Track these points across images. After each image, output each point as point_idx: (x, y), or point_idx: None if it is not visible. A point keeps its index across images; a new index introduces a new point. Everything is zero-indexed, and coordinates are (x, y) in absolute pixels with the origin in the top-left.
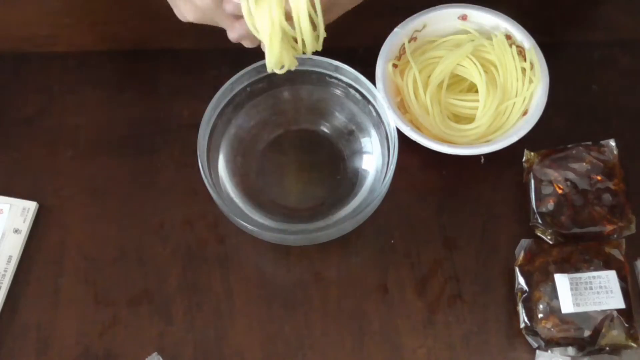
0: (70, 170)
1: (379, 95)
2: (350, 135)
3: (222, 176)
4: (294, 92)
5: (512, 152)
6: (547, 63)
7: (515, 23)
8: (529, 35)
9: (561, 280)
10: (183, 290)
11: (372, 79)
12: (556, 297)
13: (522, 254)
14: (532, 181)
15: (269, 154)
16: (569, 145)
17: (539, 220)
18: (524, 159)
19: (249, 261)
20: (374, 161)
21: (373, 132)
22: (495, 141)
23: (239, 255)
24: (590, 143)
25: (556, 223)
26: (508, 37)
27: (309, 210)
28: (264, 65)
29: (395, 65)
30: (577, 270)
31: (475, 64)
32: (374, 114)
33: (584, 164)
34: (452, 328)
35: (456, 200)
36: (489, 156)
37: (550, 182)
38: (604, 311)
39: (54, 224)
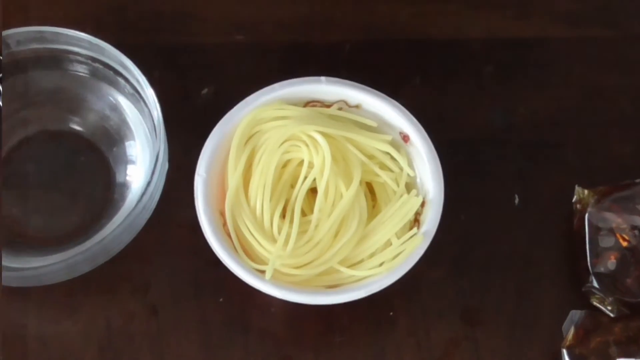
0: None
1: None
2: (116, 135)
3: None
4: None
5: (557, 188)
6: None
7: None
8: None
9: None
10: None
11: None
12: None
13: (572, 331)
14: (587, 229)
15: (9, 165)
16: (637, 180)
17: (596, 284)
18: (574, 199)
19: (191, 340)
20: (141, 159)
21: (141, 126)
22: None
23: (177, 332)
24: None
25: (619, 288)
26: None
27: (61, 236)
28: None
29: None
30: None
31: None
32: (142, 103)
33: None
34: None
35: (480, 256)
36: (525, 195)
37: (611, 231)
38: None
39: None
